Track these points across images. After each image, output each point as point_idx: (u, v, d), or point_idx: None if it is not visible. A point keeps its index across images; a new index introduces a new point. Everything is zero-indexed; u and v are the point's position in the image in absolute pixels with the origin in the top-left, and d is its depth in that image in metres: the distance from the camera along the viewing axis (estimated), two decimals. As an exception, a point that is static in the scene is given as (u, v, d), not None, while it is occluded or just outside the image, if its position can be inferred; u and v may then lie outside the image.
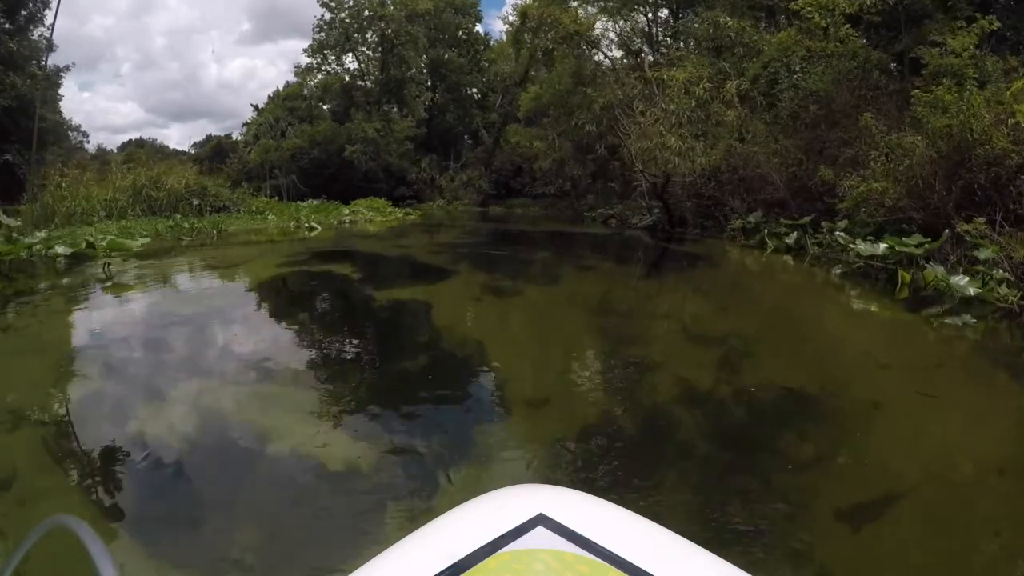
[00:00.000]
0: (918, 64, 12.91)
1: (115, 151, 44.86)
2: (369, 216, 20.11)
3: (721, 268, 10.92)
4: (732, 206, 13.68)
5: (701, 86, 13.03)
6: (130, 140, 55.26)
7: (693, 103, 13.09)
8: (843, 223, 10.68)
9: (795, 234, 11.11)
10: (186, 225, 13.80)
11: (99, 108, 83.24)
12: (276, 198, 23.07)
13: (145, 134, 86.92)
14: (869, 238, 9.46)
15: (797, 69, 14.96)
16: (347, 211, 20.39)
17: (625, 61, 19.22)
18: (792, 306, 7.88)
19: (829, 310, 7.77)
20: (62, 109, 33.02)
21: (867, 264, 9.52)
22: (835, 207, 11.35)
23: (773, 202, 12.85)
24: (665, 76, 13.45)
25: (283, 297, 8.42)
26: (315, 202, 22.45)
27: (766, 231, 12.00)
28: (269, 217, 17.09)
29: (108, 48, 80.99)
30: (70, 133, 38.38)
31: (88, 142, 40.15)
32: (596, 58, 19.40)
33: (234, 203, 17.17)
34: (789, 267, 10.46)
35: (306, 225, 15.92)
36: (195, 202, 15.45)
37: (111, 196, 14.80)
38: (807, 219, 11.15)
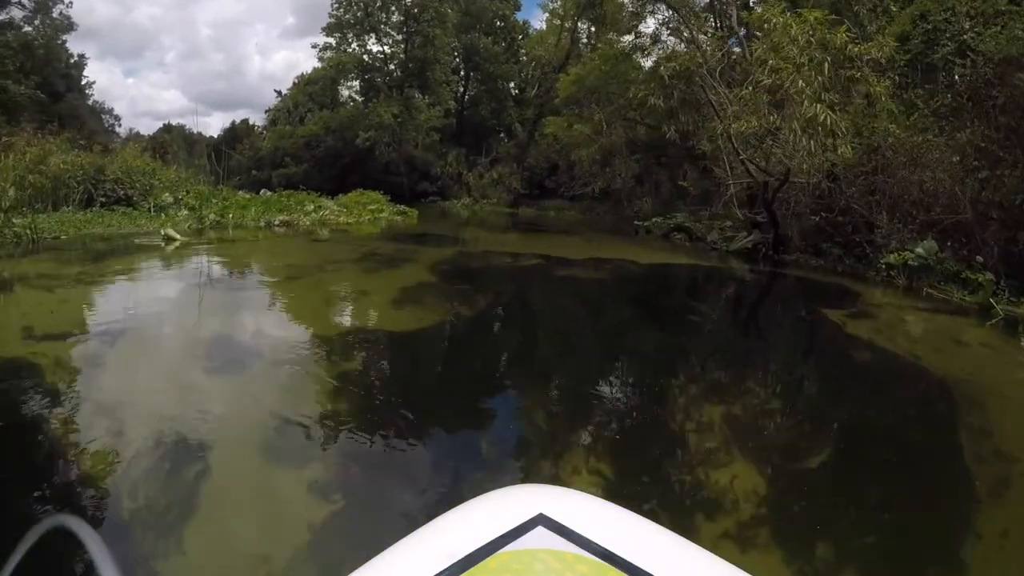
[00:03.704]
0: None
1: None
2: (323, 215, 14.65)
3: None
4: (884, 228, 8.66)
5: (842, 33, 8.19)
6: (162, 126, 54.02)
7: (828, 60, 8.21)
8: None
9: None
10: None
11: (143, 94, 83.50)
12: (244, 191, 18.77)
13: (187, 122, 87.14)
14: None
15: (967, 27, 10.07)
16: (311, 207, 15.38)
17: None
18: None
19: None
20: (93, 92, 34.82)
21: None
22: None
23: (947, 226, 7.93)
24: (777, 18, 8.54)
25: None
26: (269, 193, 17.89)
27: (986, 285, 6.80)
28: (182, 212, 12.63)
29: (154, 37, 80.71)
30: (103, 116, 37.81)
31: (120, 126, 39.87)
32: (660, 16, 14.61)
33: (141, 192, 12.94)
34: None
35: (163, 234, 10.79)
36: (10, 192, 10.90)
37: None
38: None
